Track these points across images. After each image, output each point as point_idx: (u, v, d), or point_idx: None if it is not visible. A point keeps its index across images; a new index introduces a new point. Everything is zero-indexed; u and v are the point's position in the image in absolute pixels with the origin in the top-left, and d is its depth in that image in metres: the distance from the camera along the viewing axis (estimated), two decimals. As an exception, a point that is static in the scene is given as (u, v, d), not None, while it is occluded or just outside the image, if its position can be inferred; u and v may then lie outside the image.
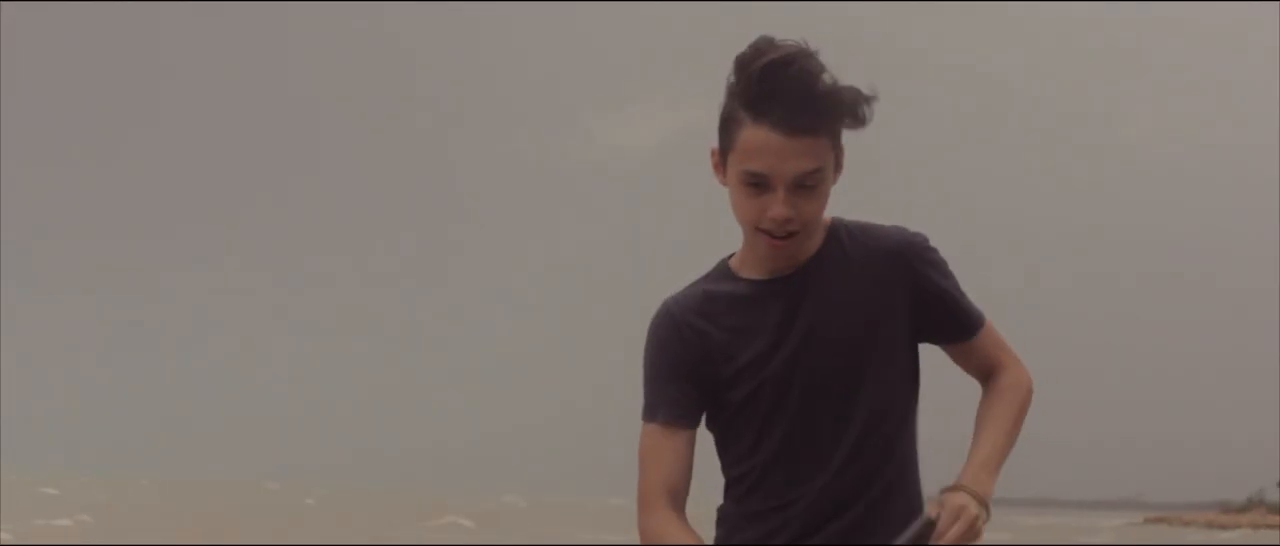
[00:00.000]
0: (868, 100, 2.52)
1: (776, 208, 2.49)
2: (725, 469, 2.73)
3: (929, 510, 2.57)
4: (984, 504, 2.56)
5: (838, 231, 2.66)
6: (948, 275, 2.70)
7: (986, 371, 2.76)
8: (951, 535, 2.50)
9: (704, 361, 2.64)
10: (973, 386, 2.85)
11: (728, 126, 2.53)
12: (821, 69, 2.48)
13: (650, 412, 2.68)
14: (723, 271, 2.69)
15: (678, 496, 2.65)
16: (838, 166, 2.58)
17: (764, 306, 2.62)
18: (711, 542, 2.70)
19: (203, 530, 53.83)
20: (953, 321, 2.71)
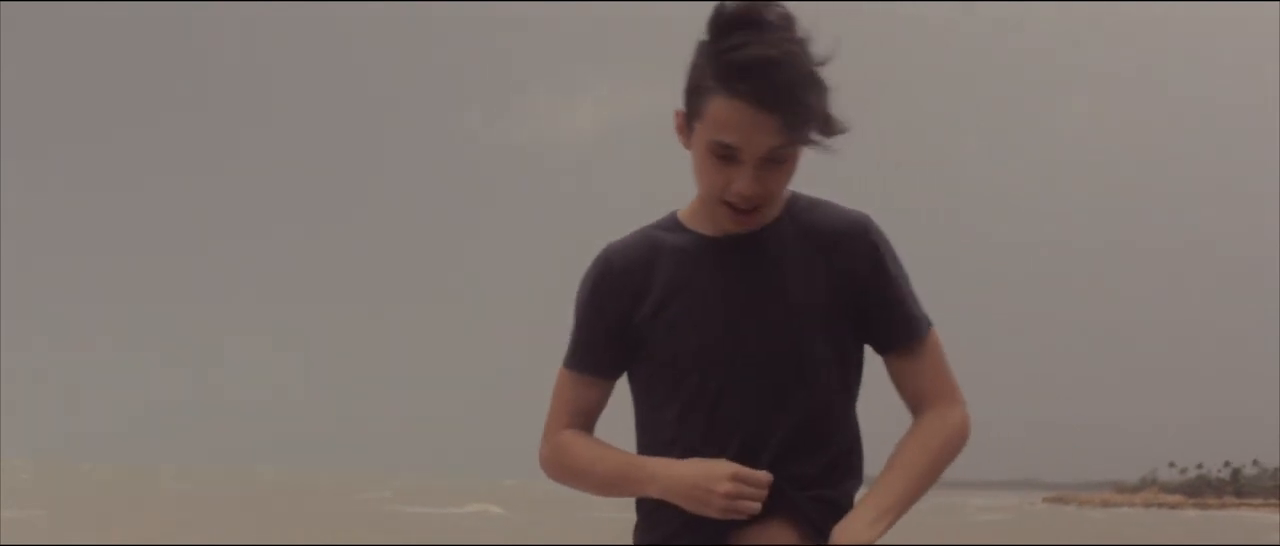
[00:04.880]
0: (824, 88, 2.41)
1: (743, 182, 2.39)
2: (642, 441, 2.58)
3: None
4: None
5: (794, 203, 2.55)
6: (899, 270, 2.55)
7: (918, 398, 2.55)
8: None
9: (634, 312, 2.53)
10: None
11: (698, 93, 2.41)
12: (802, 43, 2.38)
13: (571, 358, 2.60)
14: (670, 221, 2.58)
15: (582, 425, 2.60)
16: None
17: (702, 264, 2.51)
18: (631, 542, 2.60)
19: (239, 513, 53.20)
20: (897, 320, 2.53)
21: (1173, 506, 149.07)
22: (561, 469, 2.60)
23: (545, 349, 2.63)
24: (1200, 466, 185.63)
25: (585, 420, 2.60)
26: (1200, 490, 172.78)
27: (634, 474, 2.48)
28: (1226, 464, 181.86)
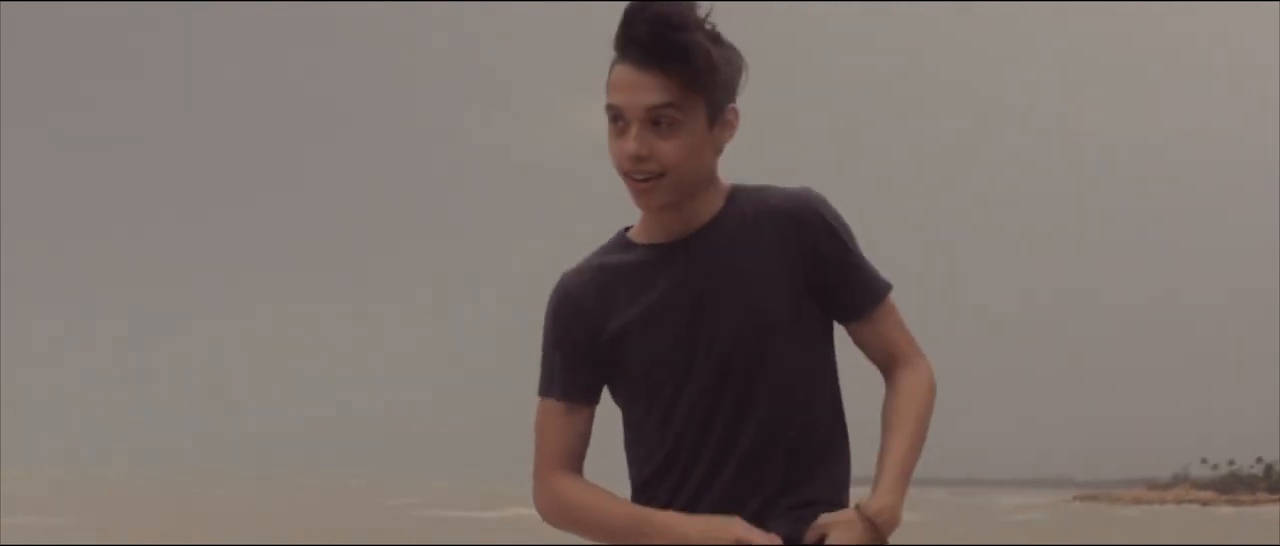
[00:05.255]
0: (725, 62, 2.45)
1: (628, 143, 2.42)
2: (630, 454, 2.62)
3: (809, 536, 2.46)
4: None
5: (737, 195, 2.56)
6: (850, 237, 2.56)
7: (888, 359, 2.61)
8: None
9: (598, 335, 2.54)
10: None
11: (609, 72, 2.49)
12: (688, 12, 2.42)
13: (546, 388, 2.60)
14: (619, 241, 2.60)
15: (573, 464, 2.58)
16: (717, 120, 2.48)
17: (657, 273, 2.53)
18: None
19: (270, 519, 53.44)
20: (856, 287, 2.56)
21: (1205, 503, 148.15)
22: (566, 519, 2.57)
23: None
24: (1232, 462, 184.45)
25: (575, 460, 2.58)
26: (1233, 486, 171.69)
27: (643, 527, 2.48)
28: (1259, 460, 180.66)
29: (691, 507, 2.49)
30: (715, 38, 2.44)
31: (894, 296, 2.63)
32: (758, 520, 2.46)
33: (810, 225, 2.52)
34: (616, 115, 2.44)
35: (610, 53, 2.47)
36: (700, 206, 2.52)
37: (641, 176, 2.44)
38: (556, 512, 2.58)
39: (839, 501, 2.52)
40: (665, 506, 2.49)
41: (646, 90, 2.40)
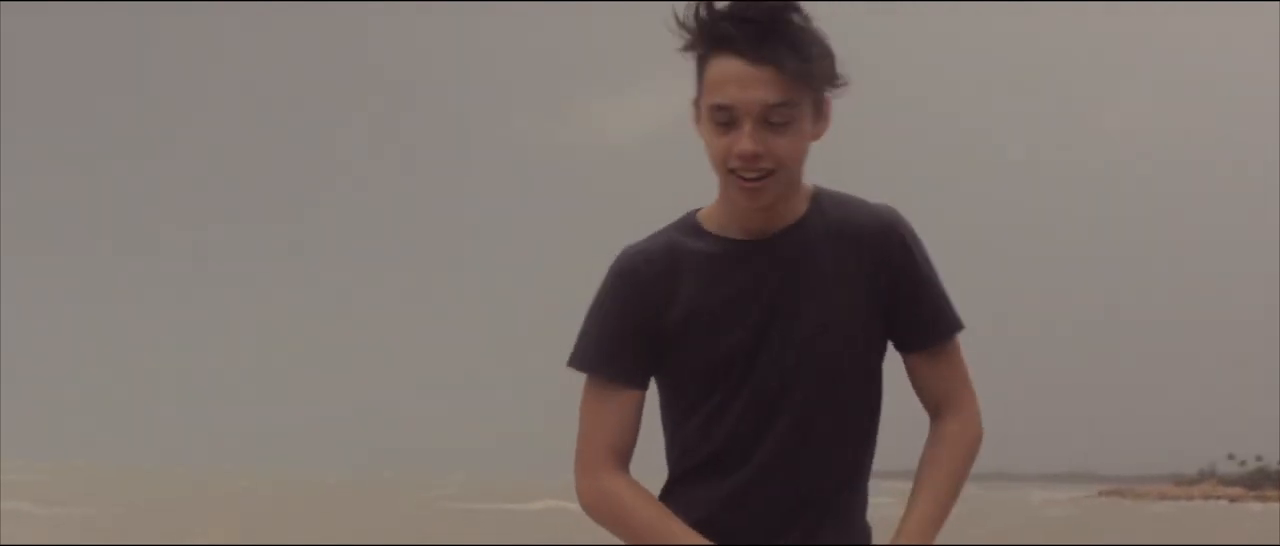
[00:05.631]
0: (830, 51, 2.41)
1: (743, 141, 2.32)
2: (670, 443, 2.52)
3: None
4: None
5: (820, 199, 2.47)
6: (931, 265, 2.49)
7: (941, 400, 2.51)
8: None
9: (660, 318, 2.42)
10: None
11: (699, 68, 2.38)
12: (798, 7, 2.36)
13: (595, 364, 2.45)
14: (690, 224, 2.48)
15: (623, 459, 2.45)
16: (819, 116, 2.42)
17: (734, 269, 2.42)
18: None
19: (303, 514, 53.67)
20: (932, 317, 2.48)
21: (1233, 499, 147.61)
22: (613, 520, 2.44)
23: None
24: (1259, 458, 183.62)
25: (625, 453, 2.46)
26: (1260, 482, 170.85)
27: None
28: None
29: (729, 510, 2.42)
30: (813, 28, 2.38)
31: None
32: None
33: (895, 246, 2.45)
34: (726, 116, 2.34)
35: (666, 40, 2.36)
36: (787, 206, 2.43)
37: (754, 174, 2.35)
38: (602, 510, 2.44)
39: None
40: (698, 500, 2.43)
41: (763, 86, 2.31)
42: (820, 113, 2.42)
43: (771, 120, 2.33)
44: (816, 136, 2.42)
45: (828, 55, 2.38)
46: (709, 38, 2.35)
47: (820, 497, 2.44)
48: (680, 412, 2.48)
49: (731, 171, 2.37)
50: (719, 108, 2.35)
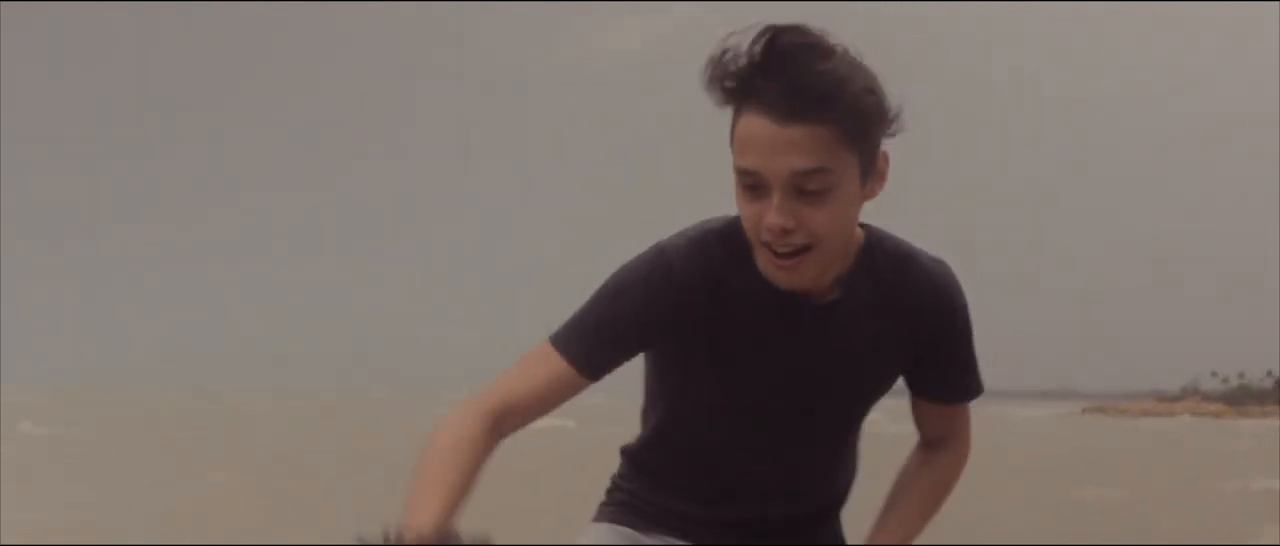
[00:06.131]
0: (880, 95, 2.03)
1: (770, 214, 2.00)
2: (650, 406, 2.35)
3: None
4: None
5: (873, 251, 2.19)
6: (970, 334, 2.29)
7: (939, 436, 2.37)
8: None
9: (676, 341, 2.18)
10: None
11: (733, 119, 2.05)
12: (830, 46, 1.99)
13: (569, 344, 2.13)
14: (737, 245, 2.13)
15: (509, 424, 2.10)
16: (869, 173, 2.07)
17: (777, 322, 2.16)
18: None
19: (307, 431, 53.92)
20: (957, 382, 2.32)
21: (1215, 415, 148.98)
22: (425, 453, 2.03)
23: (608, 263, 2.20)
24: (1242, 375, 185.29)
25: (517, 419, 2.12)
26: (1242, 399, 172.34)
27: (417, 520, 1.90)
28: (1269, 373, 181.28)
29: (676, 493, 2.32)
30: (859, 68, 2.01)
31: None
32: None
33: (944, 321, 2.24)
34: (752, 181, 2.02)
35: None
36: (829, 263, 2.13)
37: (787, 250, 2.04)
38: (431, 445, 2.05)
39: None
40: (652, 474, 2.33)
41: (793, 152, 1.96)
42: (873, 170, 2.07)
43: (806, 189, 1.99)
44: (870, 196, 2.09)
45: (876, 104, 2.02)
46: (738, 85, 2.00)
47: (791, 523, 2.34)
48: (668, 394, 2.29)
49: (763, 244, 2.06)
50: (745, 172, 2.02)
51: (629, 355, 2.18)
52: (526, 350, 2.15)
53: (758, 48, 1.96)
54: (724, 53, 2.00)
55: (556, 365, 2.13)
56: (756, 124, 1.98)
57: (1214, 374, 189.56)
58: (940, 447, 2.37)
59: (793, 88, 1.95)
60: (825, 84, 1.95)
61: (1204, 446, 59.47)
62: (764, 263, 2.09)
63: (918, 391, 2.33)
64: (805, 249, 2.03)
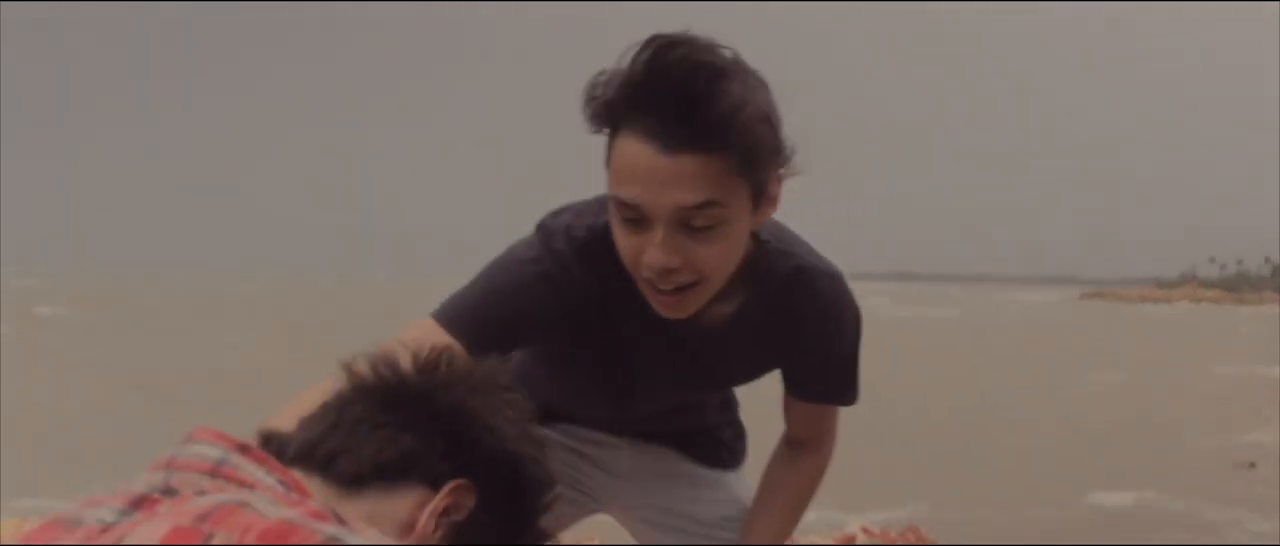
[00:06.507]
0: (776, 122, 1.78)
1: (652, 251, 1.78)
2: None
3: None
4: None
5: (760, 268, 1.99)
6: (855, 347, 2.14)
7: (805, 437, 2.26)
8: None
9: (556, 339, 2.05)
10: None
11: (609, 138, 1.79)
12: (723, 64, 1.71)
13: (456, 322, 1.94)
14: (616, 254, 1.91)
15: None
16: (761, 200, 1.83)
17: (655, 331, 2.01)
18: None
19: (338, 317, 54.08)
20: (830, 385, 2.19)
21: (1213, 301, 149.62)
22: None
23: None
24: (1240, 262, 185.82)
25: None
26: (1239, 286, 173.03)
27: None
28: (1267, 260, 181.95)
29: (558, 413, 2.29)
30: (755, 89, 1.74)
31: None
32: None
33: (829, 335, 2.09)
34: (634, 213, 1.78)
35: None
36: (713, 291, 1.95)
37: (670, 287, 1.84)
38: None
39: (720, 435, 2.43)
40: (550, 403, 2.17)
41: (680, 185, 1.72)
42: (765, 197, 1.83)
43: (693, 224, 1.77)
44: (759, 221, 1.87)
45: (771, 132, 1.76)
46: (620, 102, 1.73)
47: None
48: (541, 366, 2.17)
49: (644, 280, 1.85)
50: (624, 204, 1.78)
51: (509, 351, 1.93)
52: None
53: (641, 61, 1.69)
54: (601, 75, 1.75)
55: (438, 335, 1.91)
56: (638, 150, 1.72)
57: (1212, 261, 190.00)
58: (804, 451, 2.27)
59: (681, 113, 1.68)
60: (718, 109, 1.68)
61: (1203, 332, 59.74)
62: (646, 293, 1.88)
63: (790, 390, 2.19)
64: (691, 284, 1.84)
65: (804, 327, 2.05)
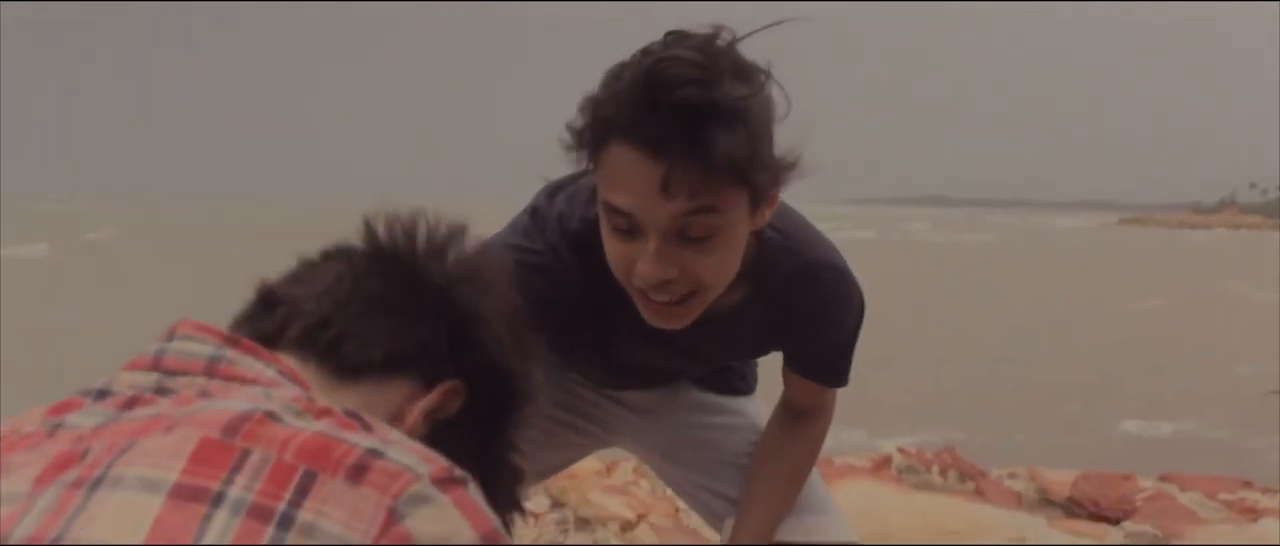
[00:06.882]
0: (758, 93, 1.61)
1: (645, 262, 1.68)
2: None
3: None
4: None
5: (763, 265, 1.92)
6: (854, 339, 2.07)
7: (805, 405, 2.20)
8: None
9: (544, 321, 1.64)
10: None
11: (596, 125, 1.64)
12: (721, 64, 1.58)
13: None
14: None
15: None
16: (761, 204, 1.72)
17: (640, 342, 2.00)
18: None
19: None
20: (830, 374, 2.12)
21: (1253, 227, 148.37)
22: None
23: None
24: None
25: None
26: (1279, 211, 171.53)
27: None
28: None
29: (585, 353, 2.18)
30: (757, 90, 1.60)
31: None
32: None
33: (831, 326, 2.02)
34: (626, 221, 1.67)
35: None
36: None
37: (666, 298, 1.74)
38: None
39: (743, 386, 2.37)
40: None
41: (675, 195, 1.60)
42: (765, 200, 1.72)
43: (688, 234, 1.66)
44: (758, 225, 1.76)
45: (767, 137, 1.64)
46: (612, 111, 1.60)
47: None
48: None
49: (638, 291, 1.76)
50: (615, 211, 1.67)
51: None
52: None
53: (640, 69, 1.57)
54: (626, 67, 1.61)
55: None
56: (631, 157, 1.59)
57: (1253, 186, 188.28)
58: (805, 418, 2.21)
59: (676, 118, 1.56)
60: (714, 114, 1.56)
61: (1242, 259, 59.26)
62: (638, 303, 1.77)
63: (790, 366, 2.12)
64: (688, 295, 1.73)
65: (804, 320, 1.99)
